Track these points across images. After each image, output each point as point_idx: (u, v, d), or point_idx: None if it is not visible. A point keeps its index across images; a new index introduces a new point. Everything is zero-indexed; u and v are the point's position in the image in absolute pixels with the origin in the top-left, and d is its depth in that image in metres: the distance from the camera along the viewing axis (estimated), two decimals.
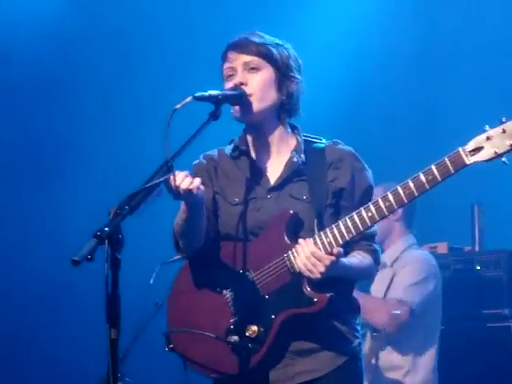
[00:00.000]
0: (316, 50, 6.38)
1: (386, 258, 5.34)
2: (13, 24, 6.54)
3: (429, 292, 5.27)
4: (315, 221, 3.12)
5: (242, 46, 3.23)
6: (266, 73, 3.23)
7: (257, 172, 3.26)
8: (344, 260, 3.09)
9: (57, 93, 6.69)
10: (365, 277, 3.40)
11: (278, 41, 3.30)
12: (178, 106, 2.92)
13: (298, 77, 3.28)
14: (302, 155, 3.25)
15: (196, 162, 3.36)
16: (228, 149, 3.36)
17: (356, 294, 5.13)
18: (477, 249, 6.01)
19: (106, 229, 2.49)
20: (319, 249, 3.03)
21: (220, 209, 3.27)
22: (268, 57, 3.23)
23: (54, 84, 6.67)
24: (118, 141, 6.67)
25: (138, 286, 4.46)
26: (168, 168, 2.79)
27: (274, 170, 3.26)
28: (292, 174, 3.23)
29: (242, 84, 3.19)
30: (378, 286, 5.32)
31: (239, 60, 3.22)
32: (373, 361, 5.23)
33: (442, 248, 6.01)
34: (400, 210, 5.26)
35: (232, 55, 3.24)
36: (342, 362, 3.17)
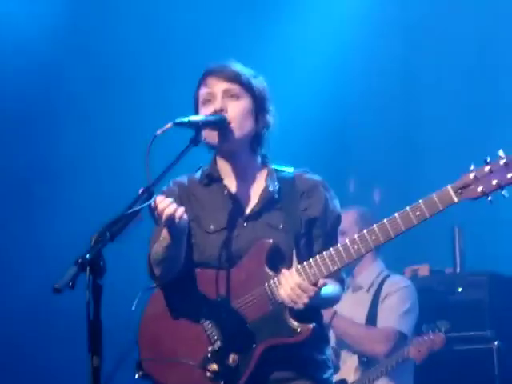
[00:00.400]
0: (297, 69, 6.41)
1: (360, 282, 5.39)
2: None
3: (416, 317, 5.36)
4: (294, 251, 3.13)
5: (222, 73, 3.24)
6: (245, 102, 3.24)
7: (231, 200, 3.26)
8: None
9: (40, 117, 6.68)
10: (332, 305, 3.45)
11: (253, 72, 3.32)
12: (159, 132, 2.93)
13: (272, 109, 3.31)
14: (276, 184, 3.26)
15: (166, 187, 3.32)
16: (197, 175, 3.35)
17: (340, 319, 5.21)
18: (458, 271, 6.03)
19: (87, 255, 2.49)
20: (303, 280, 3.04)
21: (195, 236, 3.25)
22: (247, 86, 3.25)
23: (36, 109, 6.66)
24: (99, 166, 6.66)
25: (121, 313, 4.44)
26: (149, 194, 2.79)
27: (249, 198, 3.27)
28: (267, 202, 3.24)
29: (221, 110, 3.20)
30: (355, 310, 5.35)
31: (219, 86, 3.23)
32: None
33: (424, 270, 6.02)
34: None
35: (212, 81, 3.24)
36: None
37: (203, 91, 3.26)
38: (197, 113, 3.27)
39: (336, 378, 5.23)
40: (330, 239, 3.22)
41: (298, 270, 3.07)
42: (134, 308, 4.48)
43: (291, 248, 3.15)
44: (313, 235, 3.22)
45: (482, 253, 6.15)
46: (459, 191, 2.92)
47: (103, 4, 6.85)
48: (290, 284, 3.04)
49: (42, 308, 6.08)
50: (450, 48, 7.04)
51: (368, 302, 5.41)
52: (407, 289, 5.42)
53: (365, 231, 3.02)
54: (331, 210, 3.26)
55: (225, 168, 3.31)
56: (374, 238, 3.00)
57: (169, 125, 2.98)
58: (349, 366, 5.33)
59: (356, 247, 3.02)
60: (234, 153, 3.27)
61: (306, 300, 3.03)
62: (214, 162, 3.33)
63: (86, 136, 6.75)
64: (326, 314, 5.22)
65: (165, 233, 3.10)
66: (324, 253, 3.06)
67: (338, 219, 3.29)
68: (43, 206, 6.59)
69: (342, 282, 3.28)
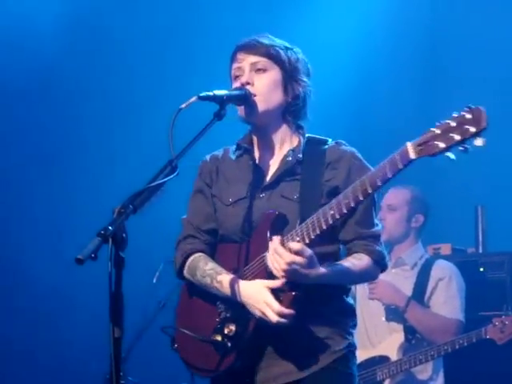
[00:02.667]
0: (321, 52, 6.38)
1: (404, 259, 5.45)
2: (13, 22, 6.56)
3: None
4: (298, 221, 3.10)
5: (250, 47, 3.25)
6: (273, 74, 3.24)
7: (256, 171, 3.27)
8: (326, 269, 3.06)
9: (59, 94, 6.69)
10: (364, 279, 3.36)
11: (287, 44, 3.31)
12: (183, 106, 2.93)
13: (305, 80, 3.29)
14: (300, 155, 3.24)
15: (202, 161, 3.39)
16: (233, 148, 3.38)
17: (415, 309, 5.22)
18: (480, 250, 6.00)
19: (110, 227, 2.49)
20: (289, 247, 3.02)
21: (217, 210, 3.29)
22: (275, 58, 3.24)
23: (54, 86, 6.68)
24: (123, 140, 6.68)
25: (142, 285, 4.47)
26: (172, 168, 2.79)
27: (271, 168, 3.28)
28: (285, 172, 3.23)
29: (248, 84, 3.20)
30: (397, 284, 5.36)
31: (247, 60, 3.24)
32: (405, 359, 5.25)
33: (446, 249, 6.00)
34: (422, 218, 5.36)
35: (240, 56, 3.26)
36: (328, 362, 3.15)
37: (234, 66, 3.28)
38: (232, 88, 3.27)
39: (373, 353, 5.29)
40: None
41: (282, 238, 3.04)
42: (155, 280, 4.51)
43: (300, 218, 3.11)
44: None
45: (505, 233, 6.12)
46: (419, 148, 2.72)
47: None
48: (271, 250, 3.03)
49: (64, 280, 6.12)
50: (476, 27, 6.99)
51: (412, 279, 5.41)
52: (458, 274, 5.45)
53: (340, 195, 2.95)
54: (355, 178, 3.13)
55: (255, 140, 3.32)
56: (346, 201, 2.92)
57: (193, 98, 2.98)
58: (391, 344, 5.32)
59: (332, 212, 2.95)
60: (263, 125, 3.28)
61: (283, 266, 2.98)
62: (249, 133, 3.35)
63: (107, 112, 6.76)
64: (400, 300, 5.25)
65: (230, 288, 3.12)
66: (308, 219, 3.02)
67: None
68: (66, 180, 6.63)
69: (372, 253, 3.17)
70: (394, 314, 5.36)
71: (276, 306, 3.02)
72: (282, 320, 3.02)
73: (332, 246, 3.19)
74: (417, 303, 5.30)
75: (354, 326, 3.28)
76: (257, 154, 3.31)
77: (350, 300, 3.29)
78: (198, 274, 3.22)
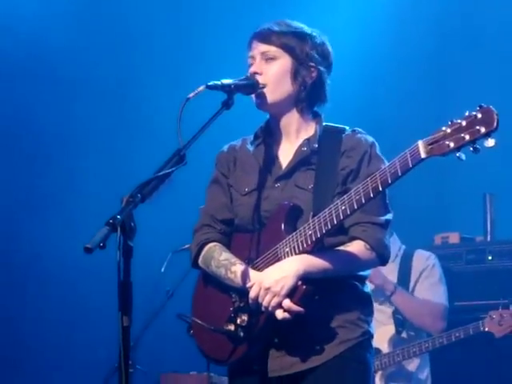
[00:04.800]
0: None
1: None
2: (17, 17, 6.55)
3: None
4: (310, 213, 3.08)
5: (261, 36, 3.23)
6: (282, 63, 3.21)
7: (271, 161, 3.26)
8: (309, 266, 3.05)
9: (66, 86, 6.69)
10: (357, 266, 3.20)
11: (305, 29, 3.25)
12: (191, 95, 2.92)
13: (320, 67, 3.23)
14: (315, 144, 3.22)
15: (220, 151, 3.38)
16: (251, 138, 3.36)
17: (402, 294, 5.26)
18: (488, 239, 5.99)
19: (119, 216, 2.49)
20: (296, 246, 3.05)
21: (233, 200, 3.29)
22: (286, 46, 3.20)
23: (61, 83, 6.67)
24: (131, 128, 6.69)
25: (150, 274, 4.48)
26: (180, 157, 2.79)
27: (286, 158, 3.26)
28: (300, 162, 3.22)
29: (256, 73, 3.19)
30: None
31: (258, 49, 3.23)
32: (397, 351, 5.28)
33: (454, 238, 6.00)
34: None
35: (253, 44, 3.25)
36: (343, 350, 3.14)
37: (248, 55, 3.27)
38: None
39: None
40: None
41: (288, 238, 3.07)
42: (163, 270, 4.51)
43: (312, 209, 3.10)
44: (346, 191, 3.09)
45: None
46: (429, 147, 2.72)
47: None
48: (262, 288, 3.06)
49: (73, 269, 6.14)
50: (484, 28, 6.98)
51: (395, 271, 5.45)
52: (439, 263, 5.50)
53: (352, 191, 2.94)
54: (366, 165, 3.15)
55: (273, 128, 3.30)
56: (357, 197, 2.92)
57: (201, 88, 2.97)
58: (381, 336, 5.34)
59: (343, 207, 2.95)
60: (275, 114, 3.26)
61: (270, 306, 3.03)
62: (266, 122, 3.33)
63: (115, 102, 6.76)
64: (387, 287, 5.29)
65: (243, 279, 3.12)
66: (320, 213, 3.01)
67: None
68: (73, 171, 6.63)
69: (368, 238, 3.13)
70: (381, 307, 5.39)
71: (286, 301, 3.03)
72: (288, 316, 3.03)
73: (343, 237, 3.16)
74: (403, 289, 5.35)
75: (370, 313, 3.25)
76: (273, 143, 3.29)
77: (365, 288, 3.26)
78: (212, 264, 3.22)
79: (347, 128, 3.27)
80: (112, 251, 2.50)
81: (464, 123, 2.65)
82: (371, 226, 3.14)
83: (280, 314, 3.03)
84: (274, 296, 3.03)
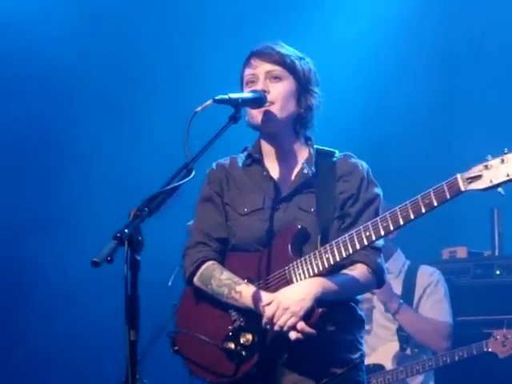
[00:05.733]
0: (330, 63, 6.38)
1: (389, 268, 5.46)
2: (19, 26, 6.57)
3: None
4: (319, 236, 3.13)
5: (266, 55, 3.24)
6: (288, 83, 3.24)
7: (268, 182, 3.27)
8: (326, 289, 3.08)
9: (66, 101, 6.71)
10: (361, 290, 3.27)
11: (299, 54, 3.31)
12: (199, 109, 2.93)
13: (317, 91, 3.29)
14: (313, 167, 3.25)
15: (209, 170, 3.37)
16: (241, 157, 3.36)
17: (407, 311, 5.26)
18: (496, 253, 5.98)
19: (126, 230, 2.49)
20: (310, 268, 3.07)
21: (230, 219, 3.28)
22: (291, 68, 3.24)
23: (62, 94, 6.69)
24: (140, 143, 6.69)
25: (157, 288, 4.48)
26: (188, 171, 2.79)
27: (285, 180, 3.26)
28: (302, 185, 3.23)
29: (264, 91, 3.19)
30: None
31: (262, 68, 3.23)
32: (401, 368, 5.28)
33: (462, 252, 5.99)
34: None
35: (255, 62, 3.25)
36: (341, 371, 3.17)
37: (247, 72, 3.26)
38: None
39: (367, 361, 5.29)
40: (359, 219, 3.17)
41: (301, 260, 3.09)
42: (170, 283, 4.51)
43: (318, 233, 3.14)
44: (344, 215, 3.20)
45: None
46: (468, 180, 2.83)
47: None
48: (280, 307, 3.06)
49: (80, 282, 6.13)
50: (490, 39, 6.97)
51: (399, 287, 5.48)
52: (443, 279, 5.51)
53: (377, 218, 2.99)
54: (365, 191, 3.22)
55: (266, 149, 3.31)
56: (385, 224, 2.97)
57: (209, 102, 2.98)
58: (385, 353, 5.33)
59: (368, 234, 3.00)
60: (276, 134, 3.27)
61: (286, 326, 3.04)
62: (258, 142, 3.33)
63: (125, 115, 6.78)
64: (393, 302, 5.28)
65: (248, 301, 3.13)
66: (340, 238, 3.05)
67: (371, 203, 3.22)
68: (81, 184, 6.64)
69: (371, 263, 3.17)
70: (386, 323, 5.38)
71: (301, 322, 3.04)
72: (300, 337, 3.04)
73: (344, 260, 3.15)
74: (408, 306, 5.34)
75: (363, 335, 3.31)
76: (268, 165, 3.30)
77: (360, 311, 3.30)
78: (213, 284, 3.21)
79: (337, 151, 3.32)
80: (119, 265, 2.49)
81: (506, 160, 2.78)
82: (372, 251, 3.18)
83: (293, 335, 3.05)
84: (291, 316, 3.03)
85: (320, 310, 3.06)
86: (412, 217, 2.93)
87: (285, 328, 3.04)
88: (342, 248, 3.04)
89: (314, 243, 3.13)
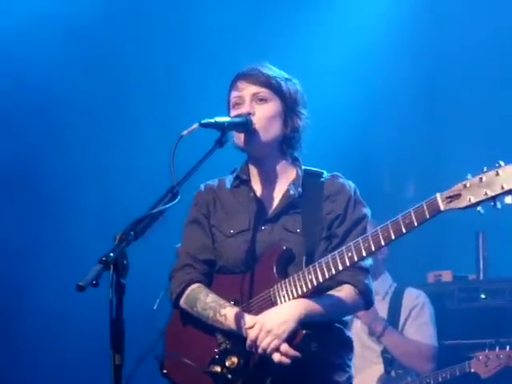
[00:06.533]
0: (320, 78, 6.40)
1: (377, 289, 5.47)
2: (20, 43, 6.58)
3: None
4: (304, 257, 3.12)
5: (251, 77, 3.25)
6: (274, 105, 3.25)
7: (255, 203, 3.27)
8: (309, 311, 3.07)
9: (52, 127, 6.70)
10: (347, 311, 3.25)
11: (286, 75, 3.32)
12: (185, 133, 2.94)
13: (304, 112, 3.30)
14: (300, 188, 3.25)
15: (197, 191, 3.37)
16: (229, 179, 3.37)
17: (391, 334, 5.27)
18: (481, 277, 5.99)
19: (112, 254, 2.49)
20: (294, 290, 3.07)
21: (217, 241, 3.28)
22: (277, 89, 3.25)
23: (58, 108, 6.69)
24: (126, 165, 6.68)
25: (142, 312, 4.45)
26: (173, 194, 2.79)
27: (271, 201, 3.27)
28: (287, 206, 3.24)
29: (249, 114, 3.20)
30: None
31: (248, 90, 3.24)
32: None
33: (447, 276, 6.00)
34: (386, 250, 5.43)
35: (241, 84, 3.25)
36: None
37: (233, 95, 3.27)
38: (229, 115, 3.27)
39: None
40: (345, 240, 3.15)
41: (294, 278, 3.07)
42: (155, 307, 4.48)
43: (303, 253, 3.14)
44: (331, 235, 3.19)
45: (506, 259, 6.11)
46: (448, 199, 2.79)
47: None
48: (262, 330, 3.05)
49: (65, 306, 6.10)
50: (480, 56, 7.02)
51: (385, 309, 5.50)
52: (429, 302, 5.54)
53: (359, 239, 2.98)
54: (352, 211, 3.21)
55: (253, 170, 3.32)
56: (366, 245, 2.96)
57: (195, 125, 2.99)
58: (370, 376, 5.33)
59: (350, 254, 2.99)
60: (261, 156, 3.28)
61: (269, 349, 3.04)
62: (246, 164, 3.35)
63: (109, 137, 6.77)
64: (378, 324, 5.29)
65: (234, 323, 3.12)
66: (323, 259, 3.04)
67: (358, 223, 3.21)
68: (67, 206, 6.62)
69: (358, 283, 3.16)
70: (371, 345, 5.39)
71: (284, 345, 3.03)
72: (285, 360, 3.02)
73: (329, 281, 3.15)
74: (393, 329, 5.36)
75: (352, 358, 3.29)
76: (255, 186, 3.30)
77: (348, 333, 3.29)
78: (198, 306, 3.20)
79: (325, 172, 3.32)
80: (105, 289, 2.49)
81: (484, 179, 2.74)
82: (358, 271, 3.17)
83: (277, 357, 3.03)
84: (274, 339, 3.03)
85: (304, 331, 3.05)
86: (393, 237, 2.91)
87: (268, 350, 3.03)
88: (325, 269, 3.03)
89: (299, 264, 3.12)
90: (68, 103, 6.70)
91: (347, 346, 3.27)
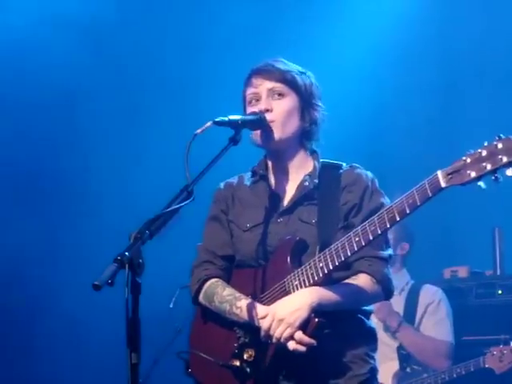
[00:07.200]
0: (334, 73, 6.39)
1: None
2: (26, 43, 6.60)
3: None
4: (318, 247, 3.11)
5: (267, 72, 3.25)
6: (290, 100, 3.25)
7: (272, 197, 3.28)
8: (322, 299, 3.07)
9: (88, 117, 6.73)
10: (364, 300, 3.22)
11: (301, 68, 3.32)
12: (199, 131, 2.94)
13: (320, 104, 3.30)
14: (316, 180, 3.25)
15: (217, 188, 3.40)
16: (248, 175, 3.38)
17: (407, 330, 5.26)
18: (498, 273, 5.96)
19: (127, 253, 2.50)
20: (306, 279, 3.06)
21: (234, 236, 3.30)
22: (293, 84, 3.25)
23: (81, 107, 6.72)
24: (141, 164, 6.70)
25: (158, 310, 4.46)
26: (188, 193, 2.80)
27: (287, 193, 3.28)
28: (303, 197, 3.24)
29: (267, 110, 3.21)
30: None
31: (264, 86, 3.25)
32: None
33: (463, 272, 5.98)
34: (407, 246, 5.41)
35: (257, 81, 3.26)
36: None
37: (249, 91, 3.28)
38: (245, 112, 3.28)
39: None
40: None
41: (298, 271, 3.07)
42: (171, 305, 4.50)
43: (317, 243, 3.13)
44: (348, 225, 3.16)
45: None
46: (449, 176, 2.74)
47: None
48: (275, 319, 3.05)
49: (81, 306, 6.12)
50: (493, 48, 6.99)
51: (401, 304, 5.50)
52: (446, 298, 5.53)
53: (366, 222, 2.95)
54: (369, 200, 3.20)
55: (271, 165, 3.33)
56: (372, 228, 2.93)
57: (208, 123, 2.99)
58: (385, 372, 5.32)
59: (357, 239, 2.96)
60: (279, 151, 3.29)
61: (283, 337, 3.03)
62: (264, 159, 3.36)
63: (125, 137, 6.78)
64: (393, 320, 5.28)
65: (245, 311, 3.12)
66: (332, 246, 3.03)
67: (375, 212, 3.08)
68: (83, 206, 6.64)
69: (375, 273, 3.15)
70: (387, 340, 5.37)
71: (298, 333, 3.03)
72: (300, 348, 3.01)
73: (344, 272, 3.16)
74: (409, 325, 5.34)
75: (375, 349, 3.26)
76: (272, 180, 3.32)
77: (370, 323, 3.26)
78: (215, 300, 3.21)
79: (344, 164, 3.31)
80: (120, 288, 2.49)
81: (484, 153, 2.68)
82: (376, 261, 3.16)
83: (292, 345, 3.03)
84: (287, 327, 3.02)
85: (317, 319, 3.03)
86: (398, 218, 2.87)
87: (282, 339, 3.03)
88: (335, 256, 3.01)
89: (313, 254, 3.11)
90: (80, 99, 6.71)
91: (369, 336, 3.24)
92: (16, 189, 6.49)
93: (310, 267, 3.07)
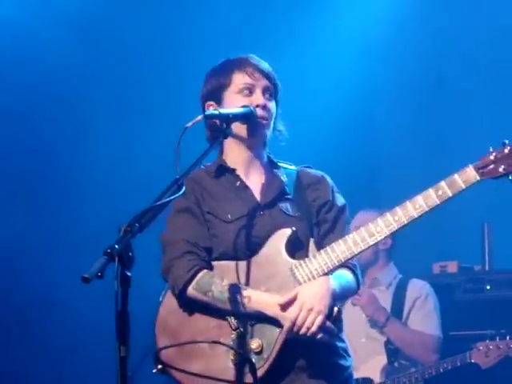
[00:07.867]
0: (319, 72, 6.40)
1: (379, 279, 5.61)
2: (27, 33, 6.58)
3: None
4: (311, 239, 3.18)
5: (266, 71, 3.31)
6: (274, 104, 3.33)
7: (242, 190, 3.29)
8: (336, 287, 3.13)
9: (69, 108, 6.71)
10: (351, 292, 3.35)
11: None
12: (189, 125, 2.94)
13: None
14: (285, 176, 3.31)
15: (184, 188, 3.35)
16: (207, 168, 3.36)
17: (394, 324, 5.29)
18: (487, 268, 5.99)
19: (117, 246, 2.49)
20: (318, 267, 3.10)
21: (213, 227, 3.26)
22: (277, 91, 3.34)
23: (64, 99, 6.70)
24: (130, 157, 6.69)
25: (148, 304, 4.46)
26: (178, 186, 2.80)
27: (262, 188, 3.29)
28: (280, 193, 3.29)
29: (264, 107, 3.25)
30: None
31: (261, 82, 3.28)
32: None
33: (452, 267, 6.00)
34: (389, 241, 5.42)
35: (257, 74, 3.28)
36: (343, 378, 3.21)
37: (246, 80, 3.28)
38: (223, 95, 3.28)
39: (355, 375, 5.29)
40: (336, 225, 3.26)
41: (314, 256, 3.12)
42: (161, 299, 4.49)
43: (307, 236, 3.21)
44: (321, 220, 3.26)
45: None
46: (480, 171, 2.96)
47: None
48: (304, 307, 3.07)
49: (70, 298, 6.12)
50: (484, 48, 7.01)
51: (389, 299, 5.52)
52: (433, 293, 5.55)
53: (388, 213, 3.02)
54: (336, 199, 3.32)
55: (237, 159, 3.32)
56: (396, 218, 3.03)
57: (199, 117, 3.00)
58: (373, 366, 5.35)
59: (379, 229, 3.04)
60: (259, 146, 3.33)
61: (313, 327, 3.06)
62: (221, 153, 3.35)
63: (114, 130, 6.78)
64: (381, 315, 5.30)
65: (256, 301, 3.12)
66: (347, 236, 3.10)
67: (343, 210, 3.31)
68: (72, 198, 6.64)
69: (355, 268, 3.26)
70: (375, 335, 5.40)
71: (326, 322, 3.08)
72: (327, 337, 3.08)
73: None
74: (396, 319, 5.36)
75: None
76: (241, 174, 3.32)
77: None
78: (214, 290, 3.14)
79: (292, 165, 3.39)
80: (110, 281, 2.49)
81: (506, 151, 2.94)
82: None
83: (320, 334, 3.07)
84: (318, 315, 3.04)
85: (336, 308, 3.11)
86: (426, 208, 3.02)
87: (313, 328, 3.04)
88: (352, 245, 3.08)
89: (305, 246, 3.18)
90: (75, 95, 6.71)
91: (343, 330, 3.30)
92: (11, 182, 6.48)
93: (322, 257, 3.11)
